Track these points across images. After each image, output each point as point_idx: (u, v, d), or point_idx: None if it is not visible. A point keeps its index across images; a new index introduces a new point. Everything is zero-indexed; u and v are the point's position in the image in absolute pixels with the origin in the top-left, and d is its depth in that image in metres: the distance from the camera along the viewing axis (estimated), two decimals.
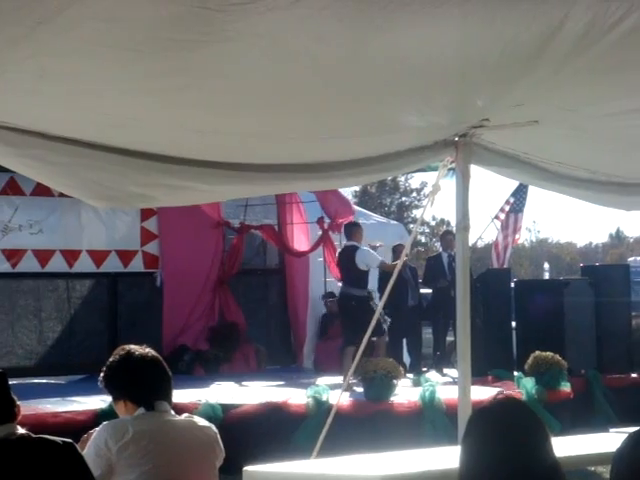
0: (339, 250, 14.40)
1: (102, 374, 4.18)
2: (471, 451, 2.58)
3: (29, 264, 15.17)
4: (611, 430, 7.96)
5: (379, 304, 6.85)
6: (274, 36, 3.52)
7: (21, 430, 3.45)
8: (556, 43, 3.83)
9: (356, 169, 5.21)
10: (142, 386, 4.10)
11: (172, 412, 4.16)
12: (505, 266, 19.72)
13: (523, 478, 2.51)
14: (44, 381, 14.56)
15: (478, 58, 3.99)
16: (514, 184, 20.38)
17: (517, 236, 21.03)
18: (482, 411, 2.68)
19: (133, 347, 4.17)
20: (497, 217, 20.86)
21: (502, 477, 2.51)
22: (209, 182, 4.77)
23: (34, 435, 2.27)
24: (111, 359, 4.17)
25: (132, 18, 3.26)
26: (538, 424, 2.62)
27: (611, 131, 5.04)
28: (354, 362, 6.74)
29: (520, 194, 20.51)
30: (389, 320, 13.06)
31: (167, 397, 4.16)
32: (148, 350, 4.17)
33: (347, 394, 11.05)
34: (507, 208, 20.61)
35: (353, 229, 13.88)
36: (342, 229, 16.76)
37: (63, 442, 2.24)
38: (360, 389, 11.38)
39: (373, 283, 14.31)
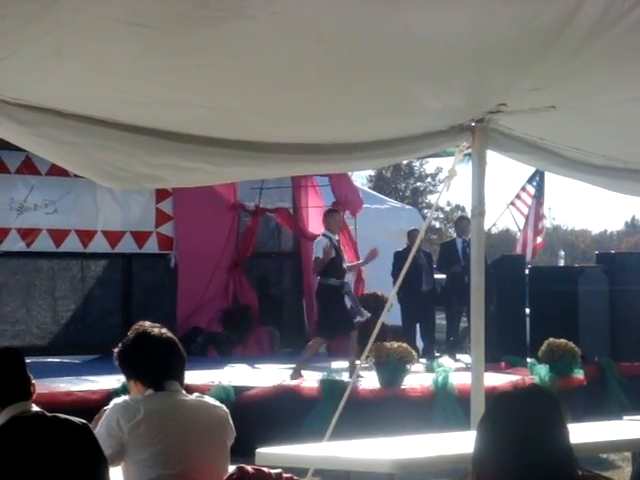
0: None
1: (116, 352, 4.18)
2: (487, 435, 2.58)
3: (44, 244, 15.22)
4: (624, 418, 7.97)
5: (392, 291, 6.82)
6: (290, 14, 3.50)
7: (36, 408, 3.46)
8: (573, 26, 3.80)
9: (371, 152, 5.18)
10: (153, 366, 4.10)
11: (183, 392, 4.17)
12: (531, 257, 19.81)
13: (536, 464, 2.51)
14: (58, 360, 14.63)
15: (495, 40, 3.97)
16: (529, 170, 20.36)
17: (540, 225, 20.94)
18: (502, 396, 2.68)
19: (149, 326, 4.16)
20: (513, 203, 20.80)
21: (516, 462, 2.51)
22: (218, 163, 4.76)
23: (49, 414, 2.27)
24: (126, 338, 4.17)
25: None
26: (557, 412, 2.61)
27: (628, 117, 5.01)
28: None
29: (538, 181, 20.44)
30: (368, 315, 12.55)
31: (179, 377, 4.16)
32: (164, 331, 4.17)
33: (360, 379, 11.05)
34: (526, 197, 20.53)
35: (325, 216, 13.14)
36: (355, 214, 16.75)
37: (78, 422, 2.23)
38: (373, 373, 11.38)
39: (383, 268, 14.20)
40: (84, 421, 2.24)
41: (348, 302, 12.52)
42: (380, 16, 3.63)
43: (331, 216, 12.96)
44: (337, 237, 12.96)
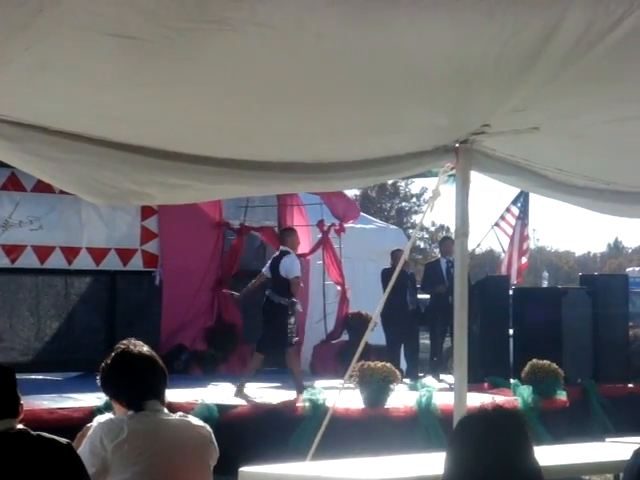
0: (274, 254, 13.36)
1: (99, 372, 4.18)
2: (455, 456, 2.60)
3: (28, 260, 15.18)
4: (607, 440, 7.95)
5: (377, 308, 6.83)
6: (275, 28, 3.51)
7: (20, 426, 3.45)
8: (554, 44, 3.82)
9: (355, 171, 5.20)
10: (131, 387, 4.08)
11: (165, 410, 4.16)
12: (517, 279, 19.88)
13: None
14: (41, 377, 14.55)
15: (476, 58, 3.98)
16: (514, 190, 20.46)
17: (525, 246, 21.04)
18: (467, 418, 2.71)
19: (130, 344, 4.15)
20: (497, 224, 20.89)
21: None
22: (206, 181, 4.76)
23: (33, 432, 2.28)
24: (108, 357, 4.17)
25: (133, 5, 3.24)
26: (522, 432, 2.63)
27: (610, 138, 5.05)
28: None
29: (522, 202, 20.54)
30: (295, 339, 12.77)
31: (159, 396, 4.14)
32: (145, 349, 4.15)
33: (344, 398, 11.04)
34: (510, 218, 20.63)
35: (285, 234, 13.18)
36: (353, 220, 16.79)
37: (62, 442, 2.25)
38: (357, 393, 11.38)
39: (367, 288, 14.24)
40: (68, 440, 2.24)
41: (292, 321, 12.51)
42: (365, 34, 3.65)
43: (289, 235, 12.96)
44: None
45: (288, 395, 11.73)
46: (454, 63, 4.04)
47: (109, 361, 4.13)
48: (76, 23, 3.29)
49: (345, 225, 16.82)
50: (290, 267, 12.56)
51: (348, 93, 4.26)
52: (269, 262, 13.02)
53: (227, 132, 4.57)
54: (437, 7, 3.52)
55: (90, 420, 4.20)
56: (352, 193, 48.08)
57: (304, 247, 17.29)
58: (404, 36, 3.74)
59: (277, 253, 12.96)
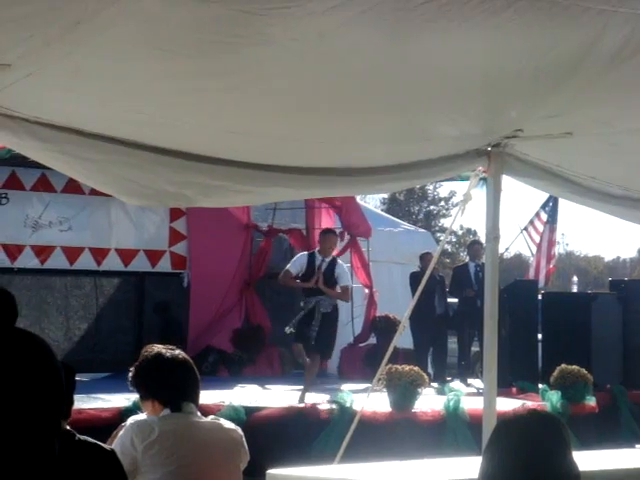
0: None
1: (132, 372, 4.18)
2: (492, 461, 2.60)
3: (58, 261, 15.26)
4: (637, 446, 7.93)
5: (406, 312, 6.82)
6: (310, 41, 3.53)
7: (67, 428, 3.44)
8: (593, 56, 3.81)
9: (388, 175, 5.20)
10: (171, 387, 4.10)
11: (198, 413, 4.17)
12: (545, 283, 19.83)
13: None
14: None
15: (514, 69, 3.98)
16: (543, 195, 20.38)
17: (553, 251, 20.98)
18: (506, 422, 2.71)
19: (163, 348, 4.17)
20: (526, 229, 20.82)
21: None
22: (245, 182, 4.76)
23: (79, 435, 2.28)
24: (141, 358, 4.17)
25: (170, 19, 3.27)
26: (559, 435, 2.62)
27: None
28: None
29: (551, 207, 20.47)
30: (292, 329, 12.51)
31: (194, 399, 4.17)
32: (179, 352, 4.18)
33: (371, 401, 11.02)
34: (537, 222, 20.56)
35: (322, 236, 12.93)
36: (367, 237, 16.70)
37: (105, 447, 2.26)
38: (384, 396, 11.35)
39: (395, 291, 14.19)
40: (112, 448, 2.24)
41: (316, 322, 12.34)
42: (399, 47, 3.66)
43: (321, 237, 12.81)
44: (327, 258, 12.40)
45: (315, 398, 11.73)
46: (488, 77, 4.04)
47: (146, 361, 4.14)
48: (112, 35, 3.32)
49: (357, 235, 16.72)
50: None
51: (380, 103, 4.28)
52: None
53: (261, 139, 4.58)
54: (472, 25, 3.51)
55: (118, 420, 4.21)
56: (380, 197, 48.09)
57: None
58: (438, 50, 3.74)
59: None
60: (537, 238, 20.62)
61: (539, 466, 2.53)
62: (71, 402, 3.43)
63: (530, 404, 11.78)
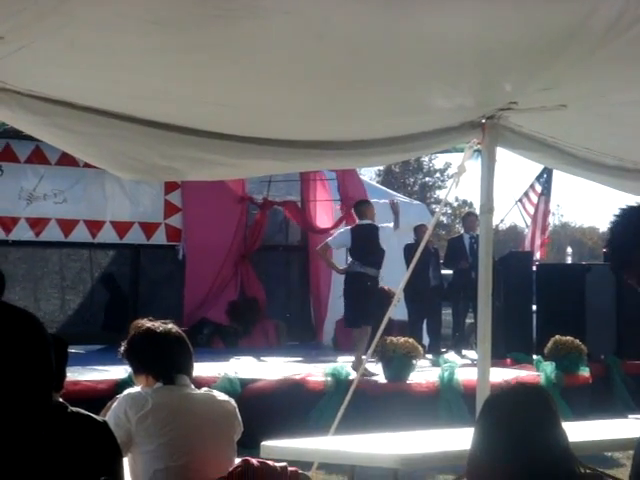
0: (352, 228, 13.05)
1: (124, 346, 4.20)
2: (481, 436, 2.62)
3: (53, 233, 15.25)
4: (629, 417, 7.99)
5: (400, 284, 6.83)
6: (303, 14, 3.51)
7: (59, 400, 3.46)
8: (588, 29, 3.80)
9: (382, 148, 5.19)
10: (164, 361, 4.12)
11: (192, 386, 4.19)
12: (541, 255, 19.87)
13: (533, 463, 2.54)
14: None
15: (508, 42, 3.97)
16: (538, 166, 20.37)
17: (547, 222, 21.02)
18: (492, 397, 2.74)
19: (155, 322, 4.19)
20: (521, 200, 20.84)
21: (512, 462, 2.54)
22: (235, 155, 4.76)
23: (71, 407, 2.29)
24: (133, 332, 4.18)
25: None
26: (548, 409, 2.64)
27: (639, 119, 5.01)
28: (371, 342, 6.73)
29: (545, 179, 20.48)
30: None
31: (188, 372, 4.19)
32: (171, 326, 4.19)
33: (371, 375, 11.08)
34: (533, 195, 20.59)
35: (364, 207, 12.98)
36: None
37: (98, 419, 2.27)
38: (379, 368, 11.39)
39: (389, 263, 14.19)
40: (104, 419, 2.25)
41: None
42: (392, 18, 3.64)
43: (363, 206, 12.85)
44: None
45: (311, 370, 11.77)
46: (482, 49, 4.03)
47: (138, 335, 4.15)
48: (105, 8, 3.31)
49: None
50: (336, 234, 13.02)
51: (374, 77, 4.26)
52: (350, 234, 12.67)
53: (255, 112, 4.57)
54: None
55: (114, 392, 4.23)
56: (375, 169, 48.02)
57: (326, 222, 17.29)
58: (432, 23, 3.73)
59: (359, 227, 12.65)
60: (531, 210, 20.65)
61: (526, 439, 2.56)
62: (63, 375, 3.43)
63: (523, 375, 11.84)
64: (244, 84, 4.19)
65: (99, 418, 2.22)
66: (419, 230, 14.66)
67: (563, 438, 2.63)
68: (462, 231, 16.46)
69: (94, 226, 15.57)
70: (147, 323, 4.19)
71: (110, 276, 16.32)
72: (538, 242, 20.56)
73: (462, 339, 15.69)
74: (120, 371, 9.95)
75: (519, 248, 21.98)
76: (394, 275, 14.10)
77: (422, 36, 3.87)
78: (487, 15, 3.71)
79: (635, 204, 3.32)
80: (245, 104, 4.45)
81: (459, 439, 5.42)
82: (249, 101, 4.43)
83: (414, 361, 11.26)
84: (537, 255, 19.83)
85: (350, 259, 12.93)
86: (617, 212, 3.28)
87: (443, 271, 16.01)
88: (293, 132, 4.87)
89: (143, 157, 4.52)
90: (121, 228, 15.83)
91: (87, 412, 2.18)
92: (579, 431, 5.81)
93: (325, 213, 17.40)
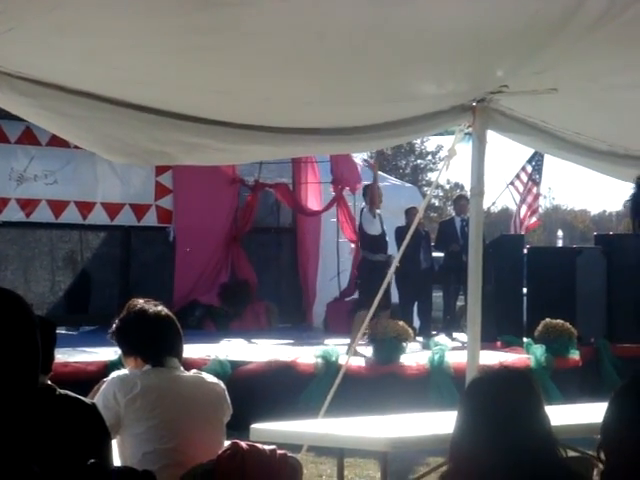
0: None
1: (114, 328, 4.19)
2: (465, 419, 2.62)
3: (43, 214, 15.21)
4: None
5: (391, 267, 6.83)
6: (299, 2, 3.50)
7: (48, 382, 3.44)
8: (580, 14, 3.80)
9: (373, 134, 5.18)
10: (154, 343, 4.11)
11: (181, 368, 4.18)
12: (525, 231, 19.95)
13: (516, 448, 2.54)
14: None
15: (498, 30, 3.97)
16: (529, 150, 20.37)
17: (536, 205, 21.05)
18: (474, 381, 2.73)
19: (146, 304, 4.17)
20: (512, 183, 20.86)
21: (494, 446, 2.54)
22: (226, 140, 4.74)
23: (60, 389, 2.28)
24: (123, 314, 4.17)
25: None
26: (530, 391, 2.64)
27: (630, 103, 5.01)
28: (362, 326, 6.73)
29: (537, 162, 20.50)
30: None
31: (177, 354, 4.19)
32: (161, 308, 4.18)
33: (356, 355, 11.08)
34: (523, 176, 20.61)
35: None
36: (354, 191, 16.74)
37: (86, 402, 2.26)
38: (369, 350, 11.40)
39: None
40: (93, 402, 2.24)
41: None
42: (386, 5, 3.63)
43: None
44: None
45: (301, 352, 11.78)
46: (474, 36, 4.02)
47: (128, 317, 4.14)
48: None
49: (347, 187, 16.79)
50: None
51: (366, 63, 4.26)
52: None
53: (247, 98, 4.56)
54: None
55: (104, 374, 4.22)
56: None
57: (316, 204, 17.29)
58: (424, 9, 3.72)
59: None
60: (521, 188, 20.69)
61: (508, 423, 2.55)
62: (51, 357, 3.42)
63: (513, 358, 11.86)
64: (236, 70, 4.18)
65: (88, 401, 2.21)
66: (410, 213, 14.66)
67: (546, 422, 2.62)
68: (453, 214, 16.45)
69: (85, 207, 15.53)
70: (139, 303, 4.17)
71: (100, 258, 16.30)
72: (525, 224, 20.61)
73: (453, 322, 15.70)
74: (110, 353, 9.94)
75: (509, 230, 22.00)
76: None
77: (415, 22, 3.86)
78: (476, 4, 3.70)
79: None
80: (236, 91, 4.44)
81: (449, 422, 5.42)
82: (240, 88, 4.41)
83: (404, 344, 11.28)
84: (522, 231, 19.92)
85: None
86: None
87: (434, 254, 16.02)
88: (285, 119, 4.86)
89: (134, 141, 4.50)
90: (112, 209, 15.79)
91: (76, 395, 2.17)
92: (569, 414, 5.82)
93: (315, 195, 17.39)
